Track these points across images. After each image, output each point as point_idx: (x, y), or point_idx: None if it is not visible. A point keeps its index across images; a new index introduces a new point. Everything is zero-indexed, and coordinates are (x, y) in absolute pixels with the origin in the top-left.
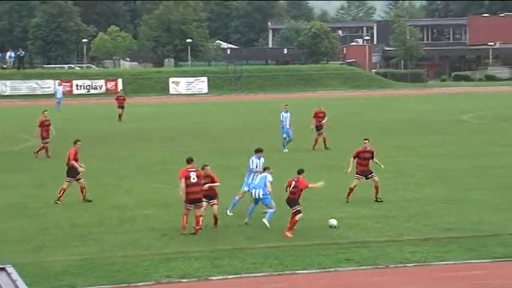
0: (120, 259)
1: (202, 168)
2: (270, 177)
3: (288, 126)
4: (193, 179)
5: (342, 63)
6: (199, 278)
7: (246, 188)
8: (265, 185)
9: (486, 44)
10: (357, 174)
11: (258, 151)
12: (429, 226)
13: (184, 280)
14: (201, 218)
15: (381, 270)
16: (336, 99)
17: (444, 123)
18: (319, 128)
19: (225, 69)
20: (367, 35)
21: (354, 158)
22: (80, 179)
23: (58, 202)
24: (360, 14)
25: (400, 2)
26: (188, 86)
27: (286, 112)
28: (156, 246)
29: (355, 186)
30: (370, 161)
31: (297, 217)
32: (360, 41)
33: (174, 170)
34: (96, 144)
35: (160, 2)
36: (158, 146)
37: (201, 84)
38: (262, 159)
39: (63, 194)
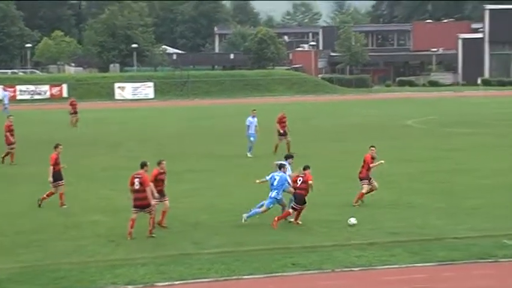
0: (65, 266)
1: (159, 164)
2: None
3: (253, 131)
4: (136, 185)
5: (288, 69)
6: (145, 285)
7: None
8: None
9: (429, 50)
10: (366, 179)
11: (285, 162)
12: (375, 230)
13: (130, 287)
14: (153, 220)
15: (327, 274)
16: (283, 104)
17: (389, 128)
18: (282, 133)
19: (171, 74)
20: (313, 41)
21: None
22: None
23: (65, 205)
24: (306, 20)
25: (346, 7)
26: (134, 91)
27: (254, 117)
28: (102, 253)
29: (367, 191)
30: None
31: (291, 210)
32: (306, 46)
33: (120, 175)
34: (41, 150)
35: (107, 3)
36: (104, 152)
37: (147, 90)
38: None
39: (62, 197)
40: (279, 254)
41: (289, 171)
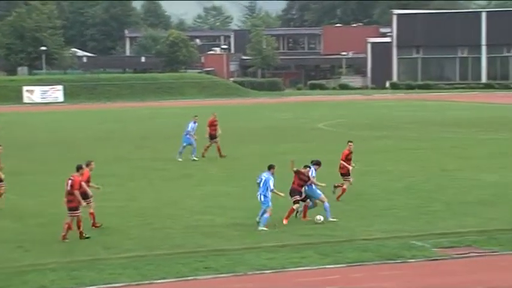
0: None
1: (87, 165)
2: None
3: (192, 135)
4: (67, 186)
5: (200, 72)
6: None
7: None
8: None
9: (339, 54)
10: (347, 174)
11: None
12: (286, 233)
13: None
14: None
15: (239, 277)
16: (194, 107)
17: (301, 131)
18: (213, 136)
19: (81, 77)
20: (224, 44)
21: (344, 160)
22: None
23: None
24: (218, 23)
25: (257, 11)
26: (43, 94)
27: (195, 123)
28: (10, 259)
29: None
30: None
31: (294, 206)
32: (218, 49)
33: (28, 180)
34: None
35: (14, 5)
36: (12, 156)
37: (56, 93)
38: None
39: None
40: (191, 258)
41: (313, 173)
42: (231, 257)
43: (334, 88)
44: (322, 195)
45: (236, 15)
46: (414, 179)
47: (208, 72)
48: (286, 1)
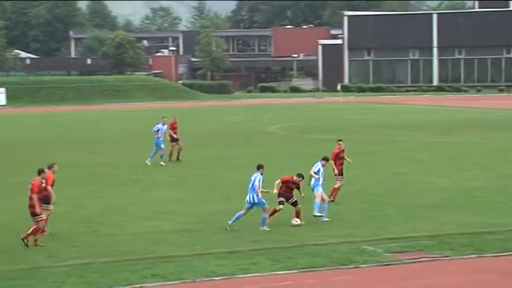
0: None
1: (50, 168)
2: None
3: (161, 137)
4: (29, 191)
5: (147, 74)
6: None
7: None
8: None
9: (290, 56)
10: (339, 175)
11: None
12: (236, 239)
13: None
14: (39, 230)
15: (187, 284)
16: (142, 110)
17: (252, 135)
18: (174, 139)
19: (24, 79)
20: (173, 46)
21: (334, 160)
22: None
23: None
24: (166, 24)
25: (206, 12)
26: None
27: (164, 125)
28: None
29: (339, 187)
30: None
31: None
32: (166, 51)
33: None
34: None
35: None
36: None
37: None
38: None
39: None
40: (138, 265)
41: (317, 167)
42: (179, 264)
43: (285, 91)
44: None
45: (185, 16)
46: (366, 182)
47: (156, 75)
48: (236, 1)
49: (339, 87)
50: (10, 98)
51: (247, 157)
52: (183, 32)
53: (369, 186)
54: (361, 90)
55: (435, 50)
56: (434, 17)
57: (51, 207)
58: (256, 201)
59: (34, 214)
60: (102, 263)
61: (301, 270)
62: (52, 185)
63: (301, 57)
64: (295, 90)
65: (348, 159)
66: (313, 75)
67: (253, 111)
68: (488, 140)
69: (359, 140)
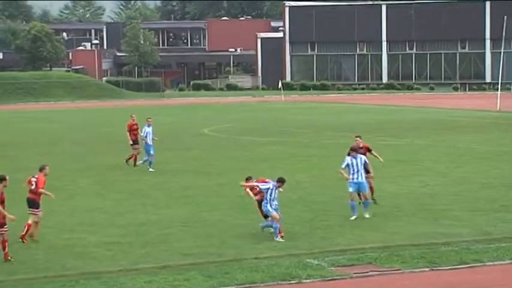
0: None
1: (41, 170)
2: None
3: (150, 143)
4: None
5: (67, 70)
6: None
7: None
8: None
9: (226, 50)
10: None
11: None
12: (167, 252)
13: None
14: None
15: None
16: (62, 111)
17: (183, 137)
18: (135, 141)
19: None
20: (96, 39)
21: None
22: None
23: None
24: (87, 15)
25: (132, 2)
26: None
27: (149, 126)
28: None
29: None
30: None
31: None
32: (88, 45)
33: None
34: None
35: None
36: None
37: None
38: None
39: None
40: (58, 283)
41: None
42: (104, 281)
43: (220, 89)
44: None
45: (109, 6)
46: (308, 189)
47: (77, 71)
48: None
49: (280, 85)
50: None
51: (176, 161)
52: (107, 23)
53: (311, 194)
54: (305, 88)
55: (384, 44)
56: (384, 8)
57: (40, 212)
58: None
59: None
60: (15, 281)
61: (238, 286)
62: (42, 188)
63: (239, 51)
64: (232, 88)
65: (379, 157)
66: (252, 72)
67: (185, 111)
68: (441, 143)
69: (302, 143)
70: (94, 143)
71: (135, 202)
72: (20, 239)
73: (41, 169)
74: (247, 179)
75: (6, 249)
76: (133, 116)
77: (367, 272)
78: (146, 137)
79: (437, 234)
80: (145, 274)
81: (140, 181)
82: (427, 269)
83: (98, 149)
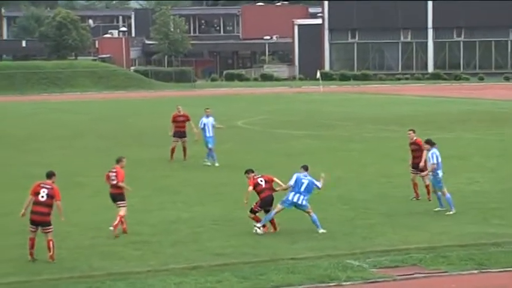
0: None
1: (118, 161)
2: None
3: (210, 134)
4: (42, 197)
5: (94, 59)
6: None
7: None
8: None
9: (261, 38)
10: (412, 168)
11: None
12: (199, 251)
13: None
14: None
15: None
16: (87, 101)
17: (216, 130)
18: (180, 134)
19: None
20: (123, 26)
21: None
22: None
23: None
24: (114, 1)
25: None
26: None
27: (208, 117)
28: None
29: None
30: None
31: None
32: (115, 32)
33: None
34: None
35: None
36: None
37: None
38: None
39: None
40: (84, 284)
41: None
42: (131, 282)
43: (255, 79)
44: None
45: None
46: (349, 186)
47: (104, 60)
48: None
49: (318, 75)
50: None
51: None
52: (135, 10)
53: (352, 191)
54: (345, 78)
55: (430, 31)
56: None
57: (126, 203)
58: (303, 203)
59: (45, 224)
60: (41, 281)
61: None
62: (122, 181)
63: (274, 39)
64: (267, 78)
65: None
66: (289, 61)
67: (218, 103)
68: (490, 136)
69: (341, 136)
70: (121, 135)
71: (164, 199)
72: (114, 230)
73: (118, 161)
74: (248, 172)
75: (52, 250)
76: (179, 106)
77: (412, 274)
78: (203, 128)
79: (486, 234)
80: (175, 275)
81: (170, 177)
82: (476, 271)
83: (124, 143)
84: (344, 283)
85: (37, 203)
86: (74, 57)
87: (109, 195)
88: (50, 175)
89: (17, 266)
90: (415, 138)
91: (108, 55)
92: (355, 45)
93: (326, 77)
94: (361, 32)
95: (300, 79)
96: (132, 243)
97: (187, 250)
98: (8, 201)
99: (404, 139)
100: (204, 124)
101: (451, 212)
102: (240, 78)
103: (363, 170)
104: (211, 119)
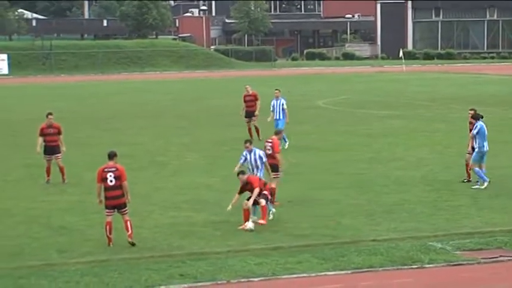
0: None
1: (277, 134)
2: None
3: (280, 117)
4: (111, 181)
5: (174, 39)
6: None
7: None
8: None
9: (343, 17)
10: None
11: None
12: (278, 232)
13: None
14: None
15: (220, 286)
16: (168, 81)
17: (296, 111)
18: (249, 114)
19: (30, 44)
20: (204, 5)
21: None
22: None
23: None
24: None
25: None
26: None
27: (277, 99)
28: None
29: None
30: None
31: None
32: (196, 11)
33: None
34: None
35: None
36: None
37: (0, 63)
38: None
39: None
40: (164, 263)
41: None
42: (212, 262)
43: (337, 58)
44: None
45: None
46: (431, 167)
47: (184, 39)
48: None
49: (401, 54)
50: (14, 66)
51: (289, 137)
52: None
53: (435, 172)
54: (428, 57)
55: None
56: None
57: (280, 174)
58: None
59: (123, 206)
60: (120, 260)
61: (355, 270)
62: (278, 152)
63: (356, 18)
64: (348, 57)
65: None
66: (371, 40)
67: (298, 82)
68: None
69: (424, 117)
70: (200, 115)
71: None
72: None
73: (277, 133)
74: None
75: (130, 229)
76: (247, 86)
77: (497, 257)
78: (273, 111)
79: None
80: (255, 256)
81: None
82: None
83: (204, 122)
84: (427, 265)
85: (108, 188)
86: (154, 37)
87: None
88: (111, 156)
89: (97, 245)
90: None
91: (188, 34)
92: (439, 23)
93: (409, 56)
94: (446, 10)
95: (382, 58)
96: (212, 223)
97: (267, 231)
98: (91, 181)
99: (489, 120)
100: (272, 106)
101: (478, 187)
102: (321, 57)
103: (446, 150)
104: (282, 102)
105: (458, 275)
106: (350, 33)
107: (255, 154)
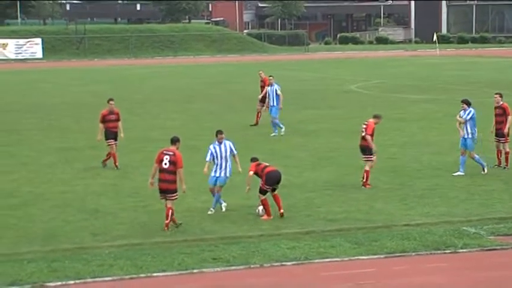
0: None
1: (375, 117)
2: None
3: (273, 103)
4: (165, 164)
5: (207, 23)
6: (33, 285)
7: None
8: None
9: (377, 0)
10: (495, 136)
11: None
12: (311, 217)
13: (14, 287)
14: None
15: (254, 270)
16: (200, 65)
17: (329, 94)
18: (262, 99)
19: (64, 29)
20: None
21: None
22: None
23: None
24: None
25: None
26: (18, 49)
27: (271, 86)
28: None
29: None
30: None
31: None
32: None
33: None
34: None
35: None
36: None
37: (34, 48)
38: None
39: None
40: (196, 247)
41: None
42: (244, 246)
43: (370, 42)
44: None
45: None
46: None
47: (217, 23)
48: None
49: (435, 38)
50: (47, 50)
51: (320, 121)
52: None
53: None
54: (462, 41)
55: None
56: None
57: (373, 157)
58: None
59: (171, 191)
60: (153, 243)
61: (388, 255)
62: (372, 135)
63: (390, 2)
64: (382, 41)
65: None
66: (404, 24)
67: (331, 66)
68: None
69: (458, 101)
70: (232, 100)
71: (276, 163)
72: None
73: (375, 116)
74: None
75: (169, 218)
76: (260, 72)
77: None
78: (267, 97)
79: None
80: (288, 239)
81: (281, 141)
82: None
83: (236, 107)
84: (460, 250)
85: (162, 170)
86: (187, 21)
87: (359, 147)
88: (174, 141)
89: (130, 228)
90: (501, 102)
91: (221, 18)
92: (474, 7)
93: (443, 40)
94: None
95: (416, 42)
96: (244, 207)
97: (299, 215)
98: (122, 165)
99: None
100: (268, 93)
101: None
102: (355, 41)
103: (480, 136)
104: (275, 88)
105: (492, 260)
106: (384, 17)
107: (225, 145)
